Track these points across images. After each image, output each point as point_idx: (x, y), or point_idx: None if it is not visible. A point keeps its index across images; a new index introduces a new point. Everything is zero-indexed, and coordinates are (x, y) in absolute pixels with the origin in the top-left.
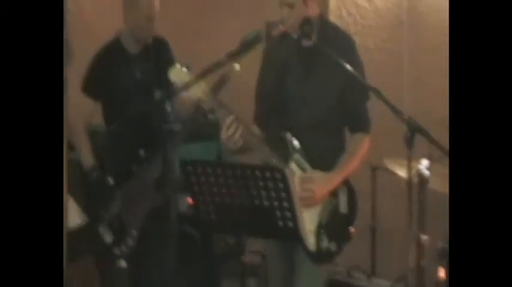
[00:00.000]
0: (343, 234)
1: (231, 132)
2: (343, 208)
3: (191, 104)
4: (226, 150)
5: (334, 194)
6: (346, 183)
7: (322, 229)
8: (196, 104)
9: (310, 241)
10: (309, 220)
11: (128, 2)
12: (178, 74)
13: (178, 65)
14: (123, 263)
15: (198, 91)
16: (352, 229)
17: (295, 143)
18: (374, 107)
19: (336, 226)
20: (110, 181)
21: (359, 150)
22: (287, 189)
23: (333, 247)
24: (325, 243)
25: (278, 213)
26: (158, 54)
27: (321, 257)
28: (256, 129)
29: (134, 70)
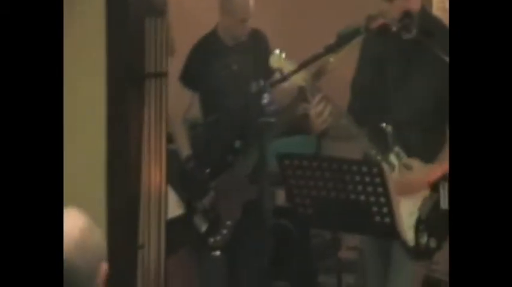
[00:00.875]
0: (444, 230)
1: (320, 109)
2: (444, 203)
3: (290, 93)
4: (313, 129)
5: (434, 188)
6: (448, 178)
7: (421, 224)
8: (295, 93)
9: (409, 236)
10: (408, 215)
11: (223, 4)
12: (278, 60)
13: (277, 52)
14: (217, 253)
15: (299, 78)
16: None
17: (396, 136)
18: None
19: (436, 221)
20: (206, 171)
21: None
22: (384, 184)
23: (432, 243)
24: (424, 239)
25: (375, 208)
26: (255, 46)
27: (419, 253)
28: (351, 119)
29: (231, 62)
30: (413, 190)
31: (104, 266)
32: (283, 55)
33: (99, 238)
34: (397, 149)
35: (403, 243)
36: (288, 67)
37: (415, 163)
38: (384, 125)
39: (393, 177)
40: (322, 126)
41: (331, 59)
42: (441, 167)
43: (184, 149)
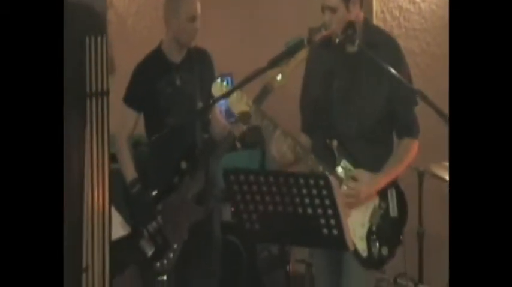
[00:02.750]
0: (395, 238)
1: (283, 150)
2: (393, 211)
3: (225, 127)
4: (276, 163)
5: (383, 197)
6: (396, 186)
7: (373, 234)
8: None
9: (361, 246)
10: (359, 226)
11: (170, 4)
12: (220, 89)
13: (219, 80)
14: (164, 278)
15: (241, 104)
16: (403, 232)
17: (342, 150)
18: (420, 111)
19: (386, 230)
20: (152, 194)
21: (407, 155)
22: (331, 196)
23: (384, 251)
24: (376, 248)
25: (322, 220)
26: (200, 65)
27: (372, 262)
28: (304, 139)
29: (175, 80)
30: (361, 201)
31: None
32: (225, 84)
33: None
34: (343, 162)
35: (356, 254)
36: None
37: (361, 174)
38: (328, 140)
39: (341, 190)
40: (284, 161)
41: (279, 77)
42: (387, 175)
43: (129, 172)
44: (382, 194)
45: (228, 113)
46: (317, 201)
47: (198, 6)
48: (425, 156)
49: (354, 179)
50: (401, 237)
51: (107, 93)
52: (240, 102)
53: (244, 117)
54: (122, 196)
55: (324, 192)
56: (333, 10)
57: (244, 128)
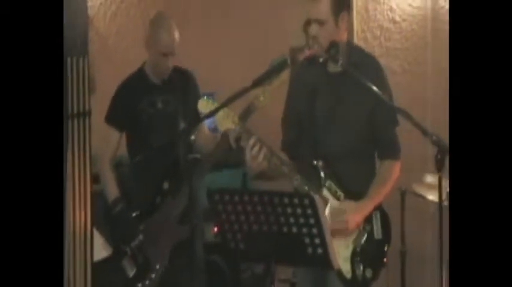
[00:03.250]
0: (379, 260)
1: (255, 153)
2: (377, 234)
3: (213, 138)
4: (250, 172)
5: (368, 220)
6: (380, 209)
7: (357, 256)
8: (217, 138)
9: (345, 268)
10: (343, 248)
11: (148, 38)
12: (206, 105)
13: (205, 97)
14: None
15: (228, 121)
16: (386, 254)
17: (327, 170)
18: (402, 129)
19: (371, 252)
20: (134, 214)
21: (389, 177)
22: (316, 215)
23: (368, 273)
24: (360, 270)
25: (307, 240)
26: (182, 85)
27: (357, 284)
28: (284, 157)
29: (157, 100)
30: (352, 230)
31: None
32: (211, 100)
33: None
34: (328, 183)
35: (340, 275)
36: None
37: (349, 205)
38: (314, 161)
39: (326, 214)
40: (258, 169)
41: (262, 97)
42: (373, 200)
43: (112, 191)
44: (367, 217)
45: (213, 130)
46: (302, 220)
47: (176, 39)
48: (407, 175)
49: (340, 212)
50: (385, 259)
51: (89, 113)
52: (226, 120)
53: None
54: (103, 217)
55: (309, 211)
56: (322, 23)
57: (238, 132)
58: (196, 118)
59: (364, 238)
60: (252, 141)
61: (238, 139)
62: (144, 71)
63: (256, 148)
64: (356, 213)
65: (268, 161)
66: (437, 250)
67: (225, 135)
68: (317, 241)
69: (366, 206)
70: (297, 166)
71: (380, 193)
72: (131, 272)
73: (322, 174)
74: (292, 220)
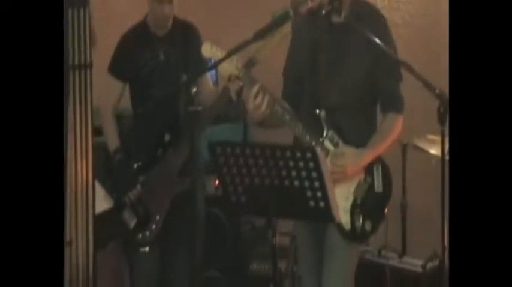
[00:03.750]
0: (379, 213)
1: (258, 102)
2: (377, 186)
3: (216, 90)
4: (251, 120)
5: (368, 171)
6: (381, 162)
7: (357, 208)
8: (220, 90)
9: (345, 220)
10: (343, 199)
11: None
12: (209, 50)
13: (209, 43)
14: (146, 249)
15: (231, 67)
16: (386, 207)
17: (329, 120)
18: (404, 83)
19: (371, 205)
20: (134, 165)
21: (392, 130)
22: (318, 168)
23: (367, 226)
24: (360, 222)
25: (309, 193)
26: (185, 38)
27: (355, 236)
28: (284, 104)
29: (159, 53)
30: (348, 177)
31: None
32: (215, 46)
33: None
34: (330, 133)
35: (339, 227)
36: (220, 56)
37: (348, 150)
38: (317, 111)
39: (327, 164)
40: (260, 118)
41: (263, 51)
42: (373, 151)
43: (113, 141)
44: (368, 168)
45: (216, 84)
46: (304, 173)
47: None
48: (408, 128)
49: (340, 155)
50: (385, 212)
51: (90, 65)
52: (230, 65)
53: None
54: (105, 169)
55: (311, 164)
56: None
57: (240, 83)
58: (199, 70)
59: (365, 190)
60: (255, 89)
61: (239, 92)
62: (146, 23)
63: (259, 96)
64: (355, 159)
65: (271, 110)
66: (438, 204)
67: (225, 88)
68: (319, 194)
69: (366, 155)
70: (298, 115)
71: (381, 144)
72: (132, 223)
73: (323, 124)
74: (294, 173)
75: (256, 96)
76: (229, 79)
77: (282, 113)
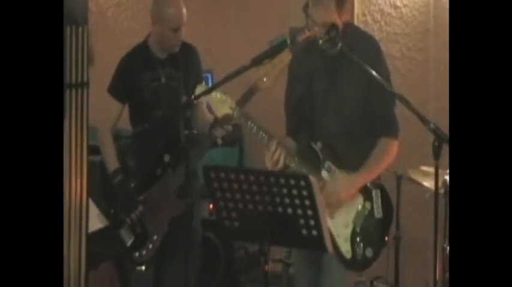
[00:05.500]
0: (380, 240)
1: (276, 158)
2: (377, 212)
3: (209, 117)
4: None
5: (367, 196)
6: (380, 187)
7: (357, 235)
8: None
9: (345, 248)
10: (343, 227)
11: (155, 14)
12: (203, 87)
13: (203, 83)
14: (142, 268)
15: (225, 107)
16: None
17: (325, 152)
18: (400, 116)
19: (371, 231)
20: (133, 185)
21: (385, 154)
22: (311, 196)
23: (369, 253)
24: (360, 249)
25: (302, 221)
26: (186, 61)
27: (356, 264)
28: (290, 141)
29: (161, 75)
30: (342, 200)
31: None
32: (210, 79)
33: None
34: (327, 164)
35: (340, 255)
36: (214, 96)
37: (339, 175)
38: (313, 143)
39: (321, 195)
40: (275, 168)
41: (265, 79)
42: (366, 174)
43: (112, 162)
44: (367, 194)
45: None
46: (297, 201)
47: (184, 16)
48: (403, 161)
49: (334, 181)
50: (386, 239)
51: (87, 84)
52: (223, 105)
53: (227, 120)
54: (100, 188)
55: (305, 193)
56: (326, 23)
57: (224, 131)
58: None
59: (364, 216)
60: (273, 147)
61: (225, 137)
62: (148, 45)
63: (277, 153)
64: (347, 183)
65: (285, 161)
66: (432, 236)
67: (211, 134)
68: (312, 222)
69: (357, 178)
70: (297, 148)
71: (374, 167)
72: (129, 241)
73: (320, 155)
74: (287, 200)
75: (274, 154)
76: (223, 119)
77: (290, 159)
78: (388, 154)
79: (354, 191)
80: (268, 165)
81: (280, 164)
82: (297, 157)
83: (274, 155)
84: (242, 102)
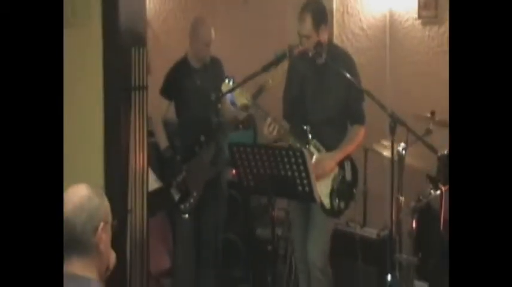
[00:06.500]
0: (350, 195)
1: (271, 129)
2: (348, 176)
3: (232, 111)
4: (263, 138)
5: (341, 167)
6: (350, 159)
7: (334, 192)
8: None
9: (326, 201)
10: (324, 187)
11: (192, 33)
12: (226, 86)
13: (227, 80)
14: (186, 216)
15: (243, 99)
16: (355, 191)
17: (313, 132)
18: (367, 105)
19: (344, 189)
20: (179, 158)
21: (356, 137)
22: (304, 164)
23: (342, 205)
24: (336, 202)
25: (298, 181)
26: (214, 69)
27: (334, 212)
28: (285, 123)
29: (196, 80)
30: (327, 172)
31: (102, 225)
32: (231, 83)
33: (97, 204)
34: (314, 141)
35: (322, 206)
36: (236, 90)
37: (325, 155)
38: (304, 126)
39: (312, 163)
40: (271, 138)
41: (270, 81)
42: (343, 152)
43: (163, 142)
44: (341, 165)
45: (233, 103)
46: (294, 167)
47: (213, 34)
48: (368, 137)
49: (320, 160)
50: (354, 195)
51: (146, 87)
52: (242, 97)
53: (244, 108)
54: (155, 160)
55: (300, 161)
56: (307, 37)
57: (244, 114)
58: (222, 93)
59: (339, 180)
60: (269, 120)
61: (243, 121)
62: (187, 59)
63: (271, 125)
64: (330, 160)
65: (278, 133)
66: (389, 190)
67: (235, 118)
68: (305, 182)
69: (338, 156)
70: (291, 130)
71: (349, 147)
72: (177, 197)
73: (309, 135)
74: (287, 166)
75: (269, 126)
76: (242, 107)
77: (284, 133)
78: (359, 137)
79: (334, 165)
80: (266, 132)
81: (274, 133)
82: (292, 136)
83: (270, 127)
84: (255, 96)
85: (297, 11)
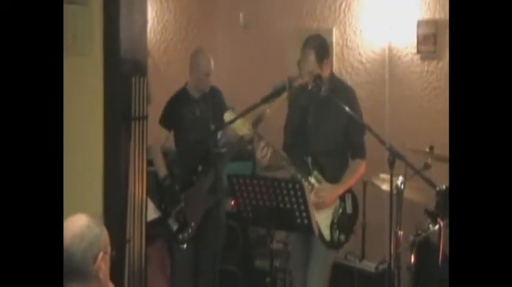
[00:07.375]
0: (350, 228)
1: (264, 153)
2: (349, 209)
3: (235, 137)
4: (258, 165)
5: (342, 199)
6: (351, 192)
7: (334, 224)
8: (239, 137)
9: (326, 233)
10: (325, 218)
11: (192, 63)
12: (229, 115)
13: (230, 110)
14: (184, 246)
15: (244, 128)
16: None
17: (314, 164)
18: (367, 139)
19: (344, 222)
20: (177, 187)
21: (357, 171)
22: (303, 196)
23: (342, 237)
24: (336, 235)
25: (297, 213)
26: (213, 99)
27: (333, 244)
28: (284, 154)
29: (196, 110)
30: (327, 205)
31: (101, 255)
32: (233, 113)
33: (97, 233)
34: (315, 173)
35: (322, 238)
36: (238, 121)
37: (327, 186)
38: (304, 157)
39: (312, 196)
40: (265, 163)
41: (268, 110)
42: (344, 186)
43: (162, 171)
44: (342, 197)
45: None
46: (293, 199)
47: (212, 65)
48: (368, 170)
49: (321, 190)
50: (354, 228)
51: (146, 117)
52: (244, 127)
53: (247, 136)
54: (154, 189)
55: (299, 193)
56: (311, 72)
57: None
58: (222, 123)
59: (340, 212)
60: (262, 144)
61: (251, 142)
62: (186, 89)
63: (264, 150)
64: (331, 193)
65: (272, 158)
66: (388, 223)
67: (241, 139)
68: (304, 214)
69: (339, 189)
70: (292, 161)
71: (349, 181)
72: (175, 227)
73: (310, 166)
74: (286, 198)
75: (262, 149)
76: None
77: (280, 160)
78: (359, 171)
79: (335, 198)
80: (258, 156)
81: (267, 157)
82: (293, 166)
83: (263, 151)
84: (254, 125)
85: (296, 39)
